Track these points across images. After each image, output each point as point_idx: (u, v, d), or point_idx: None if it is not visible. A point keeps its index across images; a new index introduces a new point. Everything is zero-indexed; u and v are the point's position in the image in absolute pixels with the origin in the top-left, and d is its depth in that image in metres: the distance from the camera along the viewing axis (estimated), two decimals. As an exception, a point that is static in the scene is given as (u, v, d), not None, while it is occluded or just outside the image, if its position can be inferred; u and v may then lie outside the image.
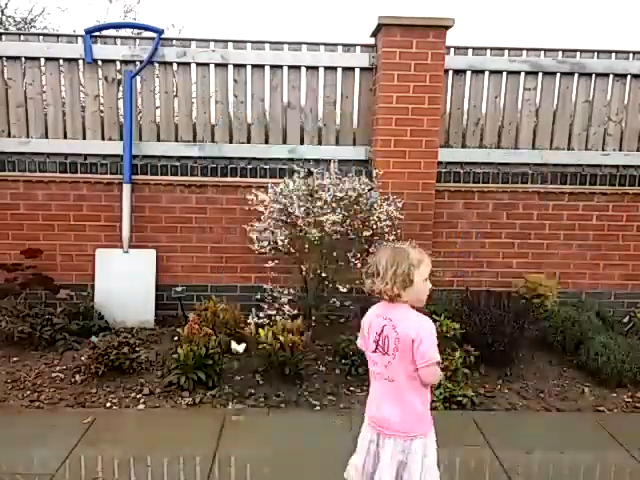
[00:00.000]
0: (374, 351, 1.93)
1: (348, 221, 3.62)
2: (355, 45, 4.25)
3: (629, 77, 4.35)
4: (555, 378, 3.61)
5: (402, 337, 1.86)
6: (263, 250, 3.82)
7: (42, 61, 4.24)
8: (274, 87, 4.30)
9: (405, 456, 1.91)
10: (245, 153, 4.33)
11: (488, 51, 4.27)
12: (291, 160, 4.29)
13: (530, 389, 3.45)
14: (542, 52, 4.30)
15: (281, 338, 3.34)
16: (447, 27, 3.99)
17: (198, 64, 4.26)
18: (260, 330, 3.48)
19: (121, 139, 4.26)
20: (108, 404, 3.12)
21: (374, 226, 3.70)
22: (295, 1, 19.43)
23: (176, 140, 4.35)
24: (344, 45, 4.25)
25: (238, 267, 4.40)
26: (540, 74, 4.33)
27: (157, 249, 4.34)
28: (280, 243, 3.68)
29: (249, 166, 4.32)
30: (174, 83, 4.31)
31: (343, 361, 3.56)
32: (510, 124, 4.41)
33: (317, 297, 3.87)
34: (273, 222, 3.72)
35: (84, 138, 4.32)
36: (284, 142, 4.38)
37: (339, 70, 4.28)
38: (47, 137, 4.30)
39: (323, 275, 3.77)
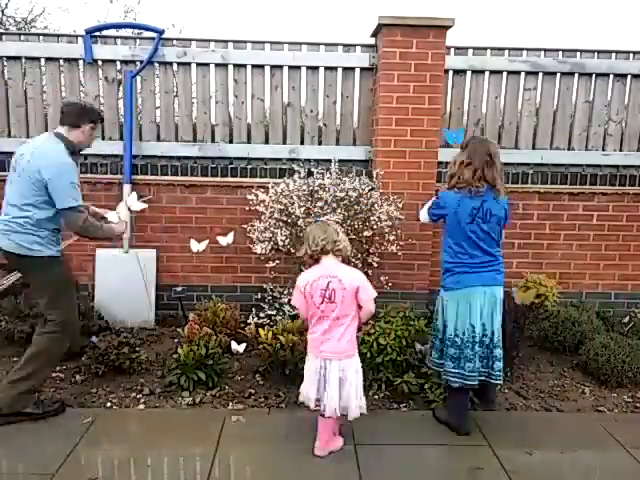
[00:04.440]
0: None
1: (349, 221, 3.62)
2: (355, 45, 4.25)
3: (629, 77, 4.35)
4: (555, 378, 3.61)
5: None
6: (263, 250, 3.82)
7: (42, 61, 4.25)
8: (274, 87, 4.31)
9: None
10: (245, 153, 4.33)
11: (488, 51, 4.27)
12: (291, 160, 4.30)
13: (530, 389, 3.45)
14: (542, 52, 4.30)
15: (281, 338, 3.34)
16: (447, 27, 3.99)
17: (198, 64, 4.26)
18: (260, 330, 3.48)
19: (121, 139, 4.27)
20: (108, 404, 3.12)
21: (374, 226, 3.70)
22: (295, 1, 19.44)
23: (176, 140, 4.36)
24: (344, 45, 4.25)
25: (238, 267, 4.40)
26: (540, 74, 4.33)
27: (157, 249, 4.34)
28: (280, 243, 3.68)
29: (249, 166, 4.32)
30: (174, 83, 4.31)
31: (343, 361, 3.56)
32: (510, 124, 4.41)
33: (317, 297, 3.86)
34: (273, 222, 3.72)
35: (84, 138, 4.31)
36: (284, 142, 4.38)
37: (339, 70, 4.28)
38: (47, 137, 4.30)
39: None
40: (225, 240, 3.75)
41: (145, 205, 3.67)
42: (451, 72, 4.27)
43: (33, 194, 2.73)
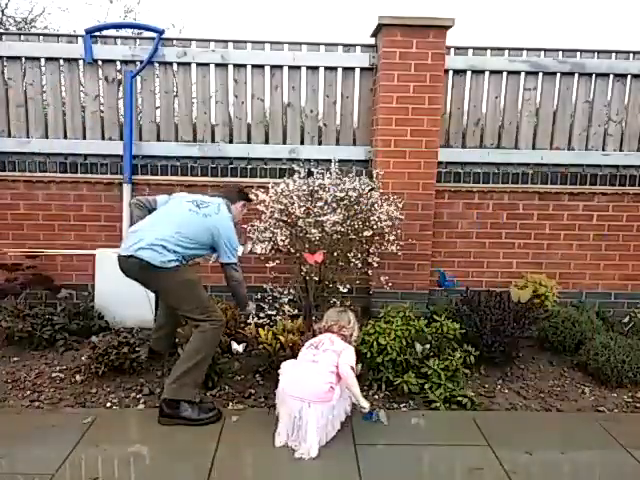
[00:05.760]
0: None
1: (349, 221, 3.62)
2: (355, 45, 4.25)
3: (629, 77, 4.35)
4: (555, 378, 3.61)
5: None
6: (263, 250, 3.82)
7: (42, 61, 4.25)
8: (274, 87, 4.31)
9: None
10: (245, 153, 4.33)
11: (488, 51, 4.27)
12: (291, 160, 4.30)
13: (530, 389, 3.45)
14: (542, 52, 4.30)
15: (281, 338, 3.34)
16: (447, 27, 3.99)
17: (198, 64, 4.26)
18: (260, 330, 3.48)
19: (121, 139, 4.27)
20: (108, 404, 3.12)
21: (374, 226, 3.70)
22: (295, 1, 19.45)
23: (176, 140, 4.35)
24: (344, 45, 4.25)
25: (238, 267, 4.39)
26: (540, 74, 4.33)
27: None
28: (281, 243, 3.68)
29: (249, 166, 4.32)
30: (174, 83, 4.31)
31: (343, 361, 3.56)
32: (510, 124, 4.41)
33: (317, 297, 3.87)
34: (274, 222, 3.72)
35: (84, 138, 4.32)
36: (284, 142, 4.38)
37: (339, 70, 4.28)
38: (47, 137, 4.30)
39: (323, 275, 3.77)
40: None
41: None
42: (451, 72, 4.27)
43: (204, 238, 3.06)
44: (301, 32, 19.50)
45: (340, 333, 2.94)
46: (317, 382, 2.68)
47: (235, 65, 4.25)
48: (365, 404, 2.76)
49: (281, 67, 4.26)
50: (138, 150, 4.27)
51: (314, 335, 3.15)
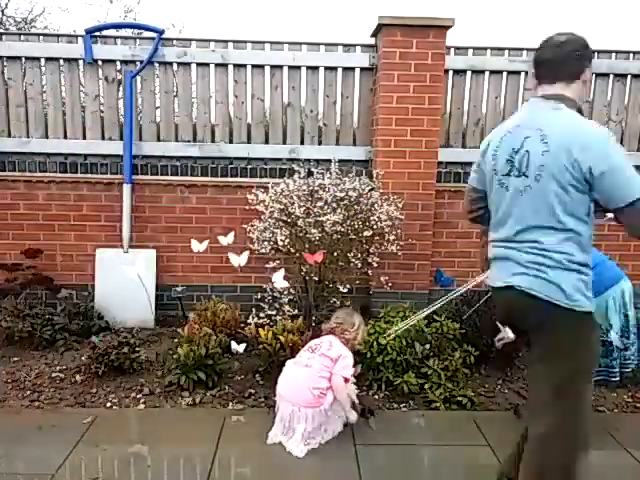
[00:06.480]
0: None
1: (349, 221, 3.62)
2: (355, 45, 4.25)
3: (629, 77, 4.35)
4: (555, 378, 3.60)
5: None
6: (263, 250, 3.82)
7: (42, 61, 4.25)
8: (274, 87, 4.31)
9: None
10: (245, 153, 4.34)
11: (488, 51, 4.27)
12: (291, 160, 4.30)
13: (530, 389, 3.44)
14: (542, 52, 4.29)
15: (281, 338, 3.34)
16: (447, 27, 3.99)
17: (198, 64, 4.26)
18: (260, 330, 3.48)
19: (121, 139, 4.27)
20: (108, 404, 3.12)
21: (374, 226, 3.70)
22: (295, 1, 19.45)
23: (176, 140, 4.35)
24: (344, 45, 4.25)
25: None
26: (540, 74, 4.32)
27: (157, 249, 4.34)
28: (280, 243, 3.68)
29: (249, 166, 4.32)
30: (174, 83, 4.31)
31: (343, 361, 3.55)
32: (510, 124, 4.40)
33: (317, 297, 3.87)
34: (273, 222, 3.72)
35: (84, 138, 4.32)
36: (284, 142, 4.38)
37: (339, 70, 4.28)
38: (47, 137, 4.30)
39: (323, 275, 3.77)
40: (226, 240, 3.76)
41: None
42: (451, 72, 4.27)
43: (574, 201, 1.75)
44: (301, 32, 19.52)
45: (342, 336, 2.93)
46: (307, 388, 2.72)
47: (235, 65, 4.25)
48: (352, 418, 2.80)
49: (281, 67, 4.26)
50: (138, 150, 4.27)
51: (314, 335, 3.15)
